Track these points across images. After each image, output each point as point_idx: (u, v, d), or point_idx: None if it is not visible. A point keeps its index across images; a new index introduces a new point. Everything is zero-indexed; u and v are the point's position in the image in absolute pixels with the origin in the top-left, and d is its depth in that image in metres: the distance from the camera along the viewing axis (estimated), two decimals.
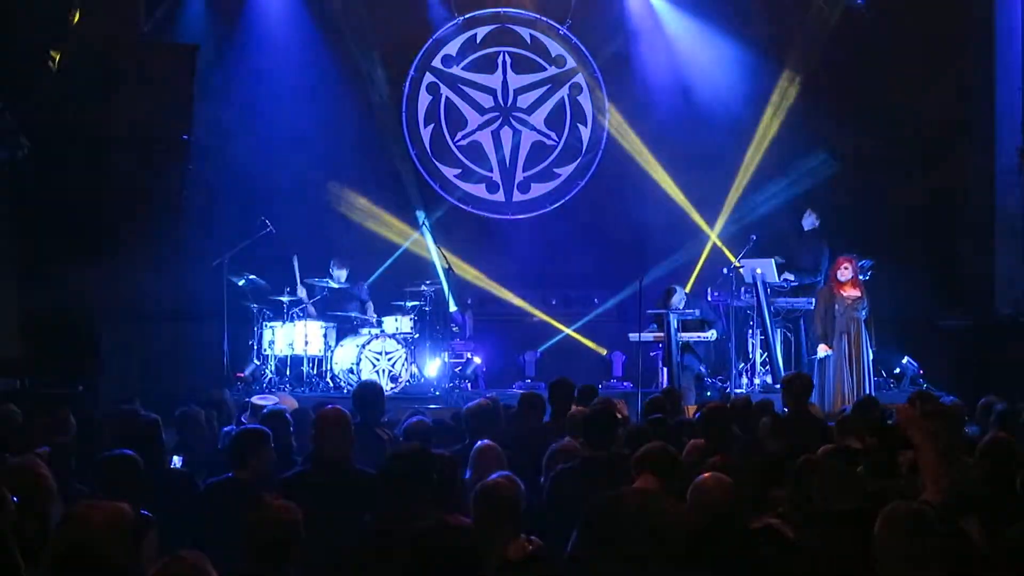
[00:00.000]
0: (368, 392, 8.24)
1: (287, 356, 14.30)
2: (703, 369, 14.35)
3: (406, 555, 4.71)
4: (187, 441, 7.94)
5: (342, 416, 6.58)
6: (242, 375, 14.32)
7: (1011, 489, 5.87)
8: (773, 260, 14.62)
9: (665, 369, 14.22)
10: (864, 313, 13.08)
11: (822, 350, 13.16)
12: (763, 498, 5.63)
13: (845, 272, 13.14)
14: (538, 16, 17.06)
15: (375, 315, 14.76)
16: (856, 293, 13.10)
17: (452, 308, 15.21)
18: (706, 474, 5.32)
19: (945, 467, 5.31)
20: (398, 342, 14.20)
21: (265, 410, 8.53)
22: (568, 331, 16.43)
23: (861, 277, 14.25)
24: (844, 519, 5.25)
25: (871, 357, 13.24)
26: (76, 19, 13.00)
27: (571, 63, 17.15)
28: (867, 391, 12.76)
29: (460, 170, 17.08)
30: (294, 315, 14.38)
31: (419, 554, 4.67)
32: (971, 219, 16.23)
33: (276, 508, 4.81)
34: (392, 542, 5.02)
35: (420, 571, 4.66)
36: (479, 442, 6.65)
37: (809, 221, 15.02)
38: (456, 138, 17.08)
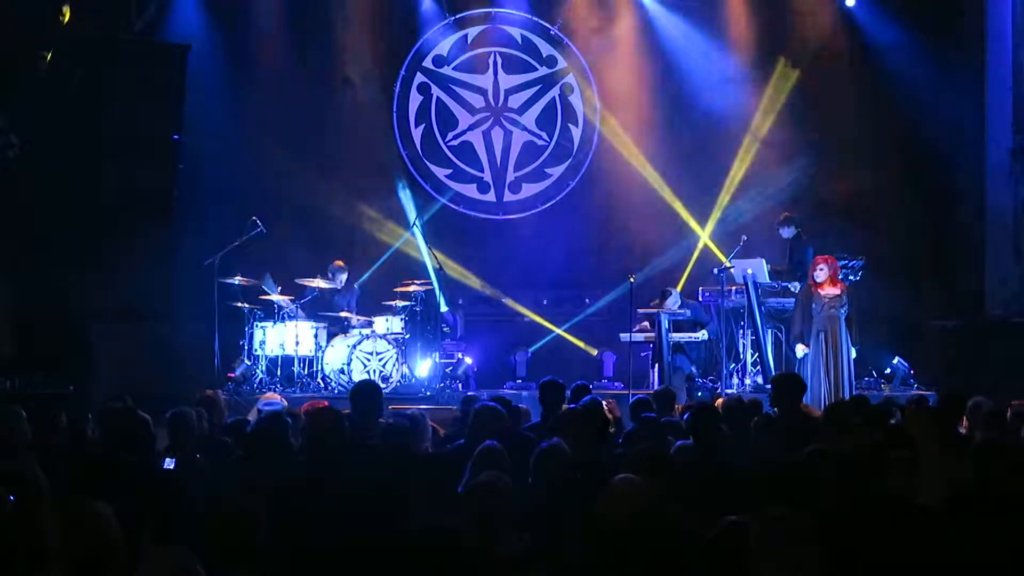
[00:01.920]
0: (366, 391, 8.23)
1: (278, 356, 14.27)
2: (694, 369, 14.37)
3: (393, 557, 4.70)
4: (179, 443, 7.92)
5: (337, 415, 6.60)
6: (233, 375, 14.29)
7: (1000, 491, 5.86)
8: (764, 260, 14.65)
9: (656, 369, 14.25)
10: (844, 311, 13.04)
11: (800, 349, 13.17)
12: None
13: (821, 272, 13.11)
14: (529, 16, 17.06)
15: (357, 318, 14.71)
16: (834, 291, 13.05)
17: (443, 308, 15.20)
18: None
19: (945, 469, 5.34)
20: (389, 342, 14.18)
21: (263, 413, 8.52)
22: (559, 331, 16.44)
23: (852, 277, 14.30)
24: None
25: (852, 356, 13.18)
26: (67, 18, 12.98)
27: (562, 63, 17.16)
28: (846, 390, 12.77)
29: (451, 170, 17.08)
30: (285, 315, 14.36)
31: (406, 556, 4.66)
32: (962, 219, 16.26)
33: (237, 508, 4.80)
34: (379, 543, 5.02)
35: (407, 572, 4.66)
36: (485, 443, 6.65)
37: (786, 231, 14.96)
38: (447, 138, 17.08)
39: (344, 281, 14.85)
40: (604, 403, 8.89)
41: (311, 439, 7.05)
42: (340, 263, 14.87)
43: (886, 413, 8.29)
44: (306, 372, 14.39)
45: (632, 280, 14.18)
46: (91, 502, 4.70)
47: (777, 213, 15.61)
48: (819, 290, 13.06)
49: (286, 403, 10.57)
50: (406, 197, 16.34)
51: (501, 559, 5.05)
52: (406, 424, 7.63)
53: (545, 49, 17.15)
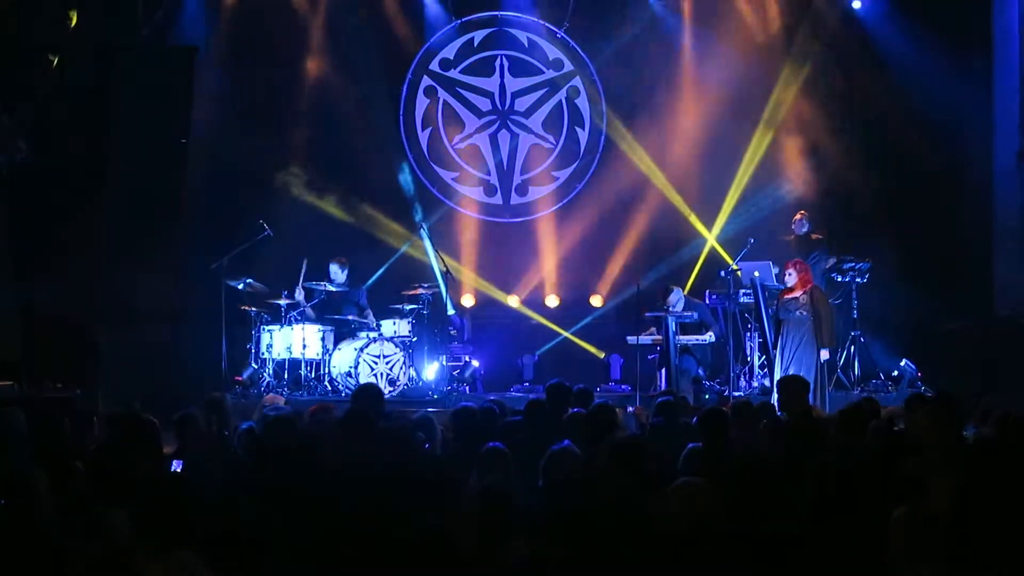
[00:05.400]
0: (369, 394, 8.23)
1: (285, 360, 14.28)
2: (701, 372, 14.35)
3: (398, 558, 4.69)
4: (187, 445, 7.92)
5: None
6: (240, 379, 14.30)
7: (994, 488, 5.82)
8: (771, 263, 14.63)
9: (663, 372, 14.23)
10: (801, 313, 12.97)
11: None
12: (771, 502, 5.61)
13: (790, 277, 13.11)
14: (536, 19, 17.06)
15: (374, 319, 14.74)
16: (795, 293, 13.04)
17: (450, 311, 15.20)
18: (687, 479, 5.31)
19: (951, 474, 5.32)
20: (396, 345, 14.19)
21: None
22: (566, 334, 16.43)
23: (859, 280, 14.31)
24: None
25: (823, 358, 13.02)
26: (75, 22, 13.00)
27: (568, 66, 17.14)
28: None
29: (458, 173, 17.08)
30: (292, 319, 14.36)
31: (404, 560, 4.65)
32: (970, 221, 16.21)
33: (250, 514, 4.79)
34: (381, 544, 5.02)
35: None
36: (487, 444, 6.64)
37: (802, 226, 15.01)
38: (454, 141, 17.08)
39: (343, 280, 14.82)
40: (633, 410, 8.91)
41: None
42: (336, 262, 14.83)
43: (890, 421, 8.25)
44: (313, 375, 14.40)
45: (639, 283, 14.17)
46: (104, 510, 4.70)
47: (783, 216, 15.62)
48: (784, 295, 13.09)
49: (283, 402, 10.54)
50: (407, 180, 16.41)
51: (506, 564, 5.04)
52: (409, 426, 7.63)
53: (551, 52, 17.14)
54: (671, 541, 5.00)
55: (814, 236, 15.08)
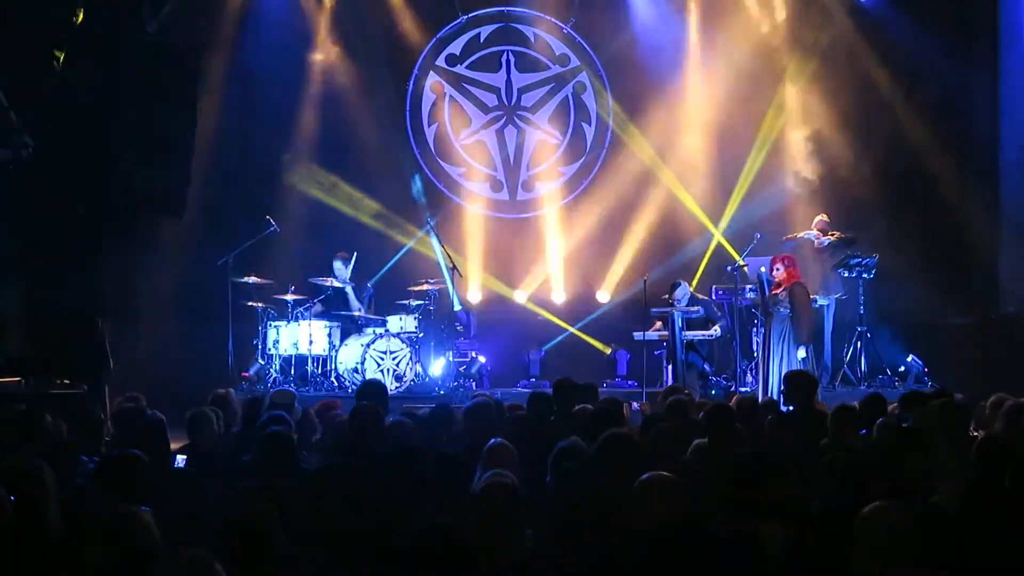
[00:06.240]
0: (372, 391, 8.23)
1: (292, 355, 14.28)
2: (707, 367, 14.35)
3: (399, 557, 4.68)
4: (198, 442, 7.92)
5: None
6: (247, 374, 14.31)
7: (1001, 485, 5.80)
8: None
9: (669, 367, 14.23)
10: (779, 308, 12.96)
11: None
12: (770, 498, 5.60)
13: (777, 272, 13.12)
14: (542, 15, 17.04)
15: (372, 315, 14.71)
16: (780, 289, 13.05)
17: (457, 307, 15.20)
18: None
19: (960, 470, 5.30)
20: (402, 341, 14.18)
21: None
22: (572, 329, 16.43)
23: (866, 275, 14.29)
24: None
25: (800, 356, 12.99)
26: (80, 19, 13.00)
27: (575, 62, 17.14)
28: (767, 390, 12.78)
29: (464, 169, 17.08)
30: (298, 314, 14.36)
31: (411, 556, 4.63)
32: (976, 216, 16.19)
33: (250, 504, 4.79)
34: (386, 543, 5.02)
35: (413, 573, 4.63)
36: (492, 440, 6.63)
37: (824, 226, 15.01)
38: (460, 137, 17.07)
39: (347, 276, 14.77)
40: (639, 406, 8.91)
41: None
42: (340, 258, 14.81)
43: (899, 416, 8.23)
44: (320, 371, 14.40)
45: (646, 279, 14.16)
46: (128, 507, 4.69)
47: (789, 211, 15.61)
48: (774, 290, 13.12)
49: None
50: (418, 191, 16.43)
51: (513, 559, 5.03)
52: (408, 424, 7.62)
53: (558, 47, 17.14)
54: (642, 536, 5.00)
55: (836, 235, 15.03)
